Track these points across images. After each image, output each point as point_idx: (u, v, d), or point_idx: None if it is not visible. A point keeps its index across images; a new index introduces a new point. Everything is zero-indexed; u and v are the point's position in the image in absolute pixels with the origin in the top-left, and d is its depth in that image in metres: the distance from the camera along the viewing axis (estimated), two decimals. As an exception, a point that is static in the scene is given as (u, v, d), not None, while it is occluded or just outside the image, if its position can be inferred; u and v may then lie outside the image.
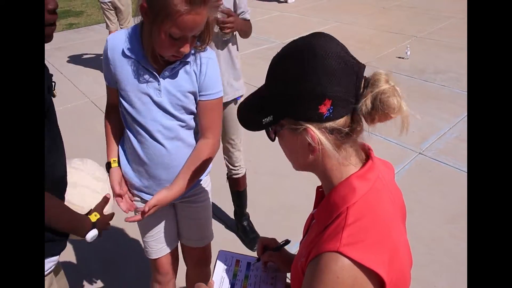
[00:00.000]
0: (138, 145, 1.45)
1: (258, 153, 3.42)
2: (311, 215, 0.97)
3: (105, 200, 1.36)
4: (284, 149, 0.89)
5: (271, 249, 1.18)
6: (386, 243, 0.75)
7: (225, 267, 1.20)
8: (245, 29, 2.16)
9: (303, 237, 0.98)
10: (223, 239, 2.61)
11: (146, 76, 1.36)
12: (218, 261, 1.22)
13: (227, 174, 2.53)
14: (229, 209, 2.83)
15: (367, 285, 0.72)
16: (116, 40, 1.37)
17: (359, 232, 0.74)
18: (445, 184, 3.09)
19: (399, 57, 5.61)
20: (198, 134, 1.50)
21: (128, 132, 1.46)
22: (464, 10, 7.60)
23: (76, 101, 4.76)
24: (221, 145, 2.24)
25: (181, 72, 1.37)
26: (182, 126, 1.45)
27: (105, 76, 1.46)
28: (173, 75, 1.36)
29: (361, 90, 0.77)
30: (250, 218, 2.70)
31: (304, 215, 0.99)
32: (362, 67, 0.78)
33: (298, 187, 2.98)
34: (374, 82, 0.76)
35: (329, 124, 0.77)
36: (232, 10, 2.07)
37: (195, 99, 1.42)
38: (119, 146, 1.54)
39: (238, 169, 2.47)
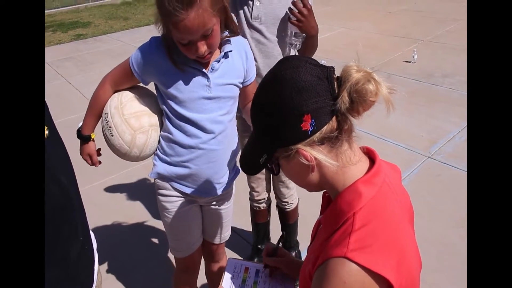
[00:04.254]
0: (189, 140, 1.44)
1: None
2: (318, 221, 0.97)
3: None
4: (289, 177, 0.91)
5: (271, 252, 1.20)
6: (394, 247, 0.75)
7: (235, 273, 1.21)
8: (316, 38, 1.76)
9: (311, 242, 0.98)
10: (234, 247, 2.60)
11: (195, 76, 1.37)
12: (227, 268, 1.23)
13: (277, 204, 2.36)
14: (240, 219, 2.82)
15: None
16: (160, 44, 1.36)
17: (366, 237, 0.75)
18: (455, 187, 3.06)
19: (406, 61, 5.59)
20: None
21: (175, 131, 1.44)
22: (470, 12, 7.56)
23: (85, 111, 4.76)
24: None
25: (228, 62, 1.41)
26: (229, 119, 1.49)
27: (138, 69, 1.41)
28: (220, 68, 1.40)
29: (336, 91, 0.78)
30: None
31: (311, 221, 1.00)
32: (330, 69, 0.80)
33: (304, 192, 2.96)
34: (346, 77, 0.77)
35: (317, 136, 0.79)
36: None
37: (241, 85, 1.48)
38: (158, 146, 1.52)
39: (286, 204, 2.29)
